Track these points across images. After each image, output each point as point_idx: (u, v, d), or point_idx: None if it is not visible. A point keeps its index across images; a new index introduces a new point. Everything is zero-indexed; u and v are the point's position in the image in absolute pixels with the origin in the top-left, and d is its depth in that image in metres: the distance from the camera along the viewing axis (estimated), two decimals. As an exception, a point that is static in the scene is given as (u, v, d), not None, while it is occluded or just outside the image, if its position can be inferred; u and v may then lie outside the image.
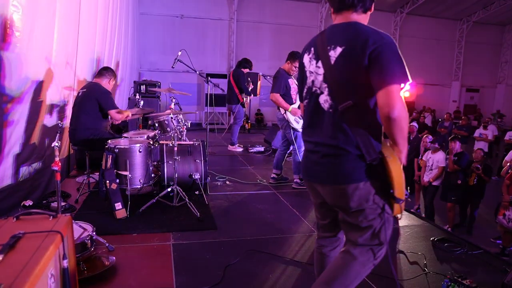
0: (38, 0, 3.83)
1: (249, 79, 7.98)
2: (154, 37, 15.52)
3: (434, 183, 6.65)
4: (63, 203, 3.82)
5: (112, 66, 7.51)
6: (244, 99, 7.57)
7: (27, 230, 1.64)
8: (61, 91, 4.87)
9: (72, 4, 5.01)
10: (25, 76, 3.75)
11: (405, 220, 4.10)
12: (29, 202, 3.16)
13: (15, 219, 1.79)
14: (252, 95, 7.95)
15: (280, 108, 4.93)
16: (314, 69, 1.90)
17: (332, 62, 1.79)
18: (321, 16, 17.56)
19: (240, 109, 7.54)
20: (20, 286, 1.23)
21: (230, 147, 7.75)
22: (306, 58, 1.96)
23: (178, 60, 4.73)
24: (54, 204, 3.83)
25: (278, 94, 4.83)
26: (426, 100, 17.80)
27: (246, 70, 7.73)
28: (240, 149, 7.78)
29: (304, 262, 2.99)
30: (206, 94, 6.15)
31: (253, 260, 2.99)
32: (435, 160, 6.63)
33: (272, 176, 5.34)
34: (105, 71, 4.52)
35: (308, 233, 3.60)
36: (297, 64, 4.96)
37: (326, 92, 1.84)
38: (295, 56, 4.92)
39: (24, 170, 3.91)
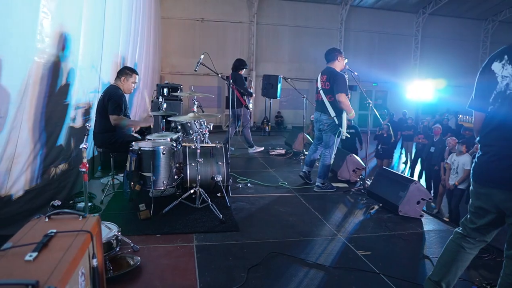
0: (66, 5, 3.94)
1: (250, 79, 7.87)
2: (175, 41, 15.74)
3: (460, 187, 6.50)
4: (88, 204, 3.90)
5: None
6: (247, 101, 7.44)
7: (59, 229, 1.69)
8: (87, 94, 4.99)
9: (97, 9, 5.13)
10: (55, 79, 3.87)
11: (429, 224, 4.03)
12: (57, 202, 3.24)
13: (47, 218, 1.84)
14: (253, 95, 7.78)
15: (329, 111, 4.83)
16: (509, 73, 2.01)
17: None
18: (341, 18, 17.46)
19: (245, 112, 7.46)
20: (54, 283, 1.27)
21: (250, 150, 7.74)
22: (497, 65, 2.07)
23: (200, 63, 4.77)
24: (80, 205, 3.92)
25: (345, 95, 4.73)
26: (450, 102, 17.44)
27: (243, 71, 7.56)
28: (261, 148, 7.77)
29: (327, 265, 2.97)
30: (227, 97, 6.17)
31: (276, 263, 2.99)
32: (460, 162, 6.49)
33: (303, 170, 5.40)
34: (118, 72, 4.58)
35: (331, 236, 3.58)
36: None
37: None
38: (341, 52, 4.94)
39: (51, 171, 4.02)
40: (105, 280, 2.05)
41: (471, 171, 2.20)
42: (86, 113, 5.02)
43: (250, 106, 7.56)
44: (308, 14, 17.02)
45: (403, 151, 12.73)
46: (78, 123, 4.70)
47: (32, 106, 3.47)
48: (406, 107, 16.17)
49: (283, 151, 7.74)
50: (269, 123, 14.44)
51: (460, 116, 10.84)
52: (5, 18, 2.86)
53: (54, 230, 1.66)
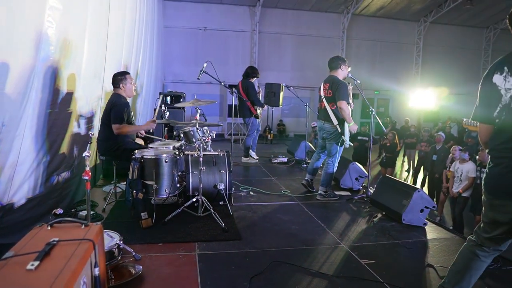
0: (71, 15, 3.97)
1: (258, 88, 7.74)
2: (178, 49, 15.85)
3: (464, 194, 6.46)
4: (91, 212, 3.90)
5: (132, 75, 7.56)
6: (258, 110, 7.33)
7: (61, 238, 1.68)
8: (90, 102, 5.01)
9: (101, 19, 5.17)
10: (58, 87, 3.89)
11: (433, 232, 3.99)
12: (60, 211, 3.22)
13: (49, 226, 1.83)
14: (264, 106, 7.58)
15: (332, 119, 4.81)
16: (511, 85, 1.99)
17: None
18: (343, 27, 17.55)
19: (254, 121, 7.35)
20: (56, 292, 1.26)
21: (244, 159, 7.61)
22: (498, 78, 2.05)
23: (203, 71, 4.79)
24: (82, 213, 3.91)
25: (345, 102, 4.69)
26: (452, 110, 17.42)
27: (254, 79, 7.44)
28: (254, 161, 7.58)
29: (330, 274, 2.94)
30: (229, 105, 6.09)
31: (279, 272, 2.96)
32: (464, 170, 6.46)
33: (306, 179, 5.38)
34: (113, 83, 4.46)
35: (334, 244, 3.55)
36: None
37: None
38: (345, 60, 4.94)
39: (54, 179, 4.02)
40: (107, 289, 2.04)
41: (483, 182, 2.18)
42: (89, 121, 5.04)
43: (260, 111, 7.46)
44: (310, 23, 17.12)
45: (405, 159, 12.70)
46: (81, 131, 4.71)
47: (34, 114, 3.48)
48: (408, 115, 16.18)
49: (285, 159, 7.72)
50: (271, 131, 14.46)
51: (464, 119, 10.71)
52: (11, 26, 2.89)
53: (56, 239, 1.66)
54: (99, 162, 5.54)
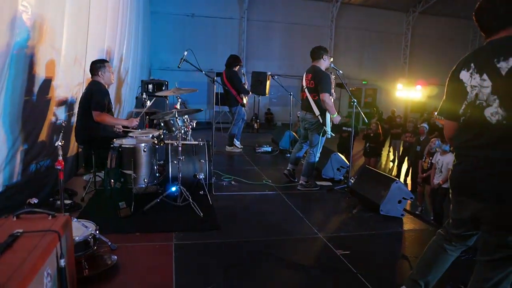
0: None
1: (244, 76, 7.72)
2: (165, 36, 15.60)
3: (444, 186, 6.55)
4: (69, 201, 3.87)
5: (116, 61, 7.48)
6: (244, 99, 7.34)
7: (26, 229, 1.67)
8: (71, 89, 4.92)
9: (81, 2, 5.05)
10: (36, 74, 3.81)
11: (410, 223, 4.06)
12: (34, 200, 3.19)
13: (15, 218, 1.82)
14: (250, 93, 7.61)
15: (314, 110, 4.81)
16: (477, 83, 1.95)
17: (504, 73, 1.83)
18: (332, 16, 17.48)
19: (240, 110, 7.36)
20: (13, 285, 1.25)
21: (228, 148, 7.61)
22: (465, 74, 2.02)
23: (184, 59, 4.74)
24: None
25: (328, 95, 4.69)
26: (439, 101, 17.58)
27: (238, 68, 7.41)
28: (238, 150, 7.60)
29: (306, 265, 2.97)
30: (217, 93, 5.97)
31: (254, 262, 2.99)
32: (444, 162, 6.53)
33: (288, 168, 5.40)
34: (91, 70, 4.42)
35: (312, 235, 3.59)
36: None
37: (495, 104, 1.87)
38: (327, 50, 4.94)
39: (33, 168, 3.97)
40: (75, 280, 2.04)
41: (449, 179, 2.19)
42: (70, 108, 4.96)
43: (246, 100, 7.45)
44: (299, 11, 17.01)
45: (391, 150, 12.81)
46: (61, 119, 4.64)
47: (10, 102, 3.42)
48: (396, 105, 16.28)
49: (269, 149, 7.73)
50: (258, 120, 14.43)
51: (435, 113, 10.83)
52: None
53: (21, 230, 1.64)
54: (81, 150, 5.48)
